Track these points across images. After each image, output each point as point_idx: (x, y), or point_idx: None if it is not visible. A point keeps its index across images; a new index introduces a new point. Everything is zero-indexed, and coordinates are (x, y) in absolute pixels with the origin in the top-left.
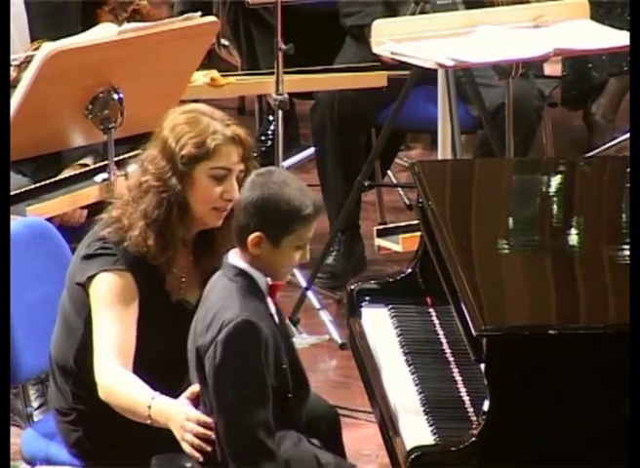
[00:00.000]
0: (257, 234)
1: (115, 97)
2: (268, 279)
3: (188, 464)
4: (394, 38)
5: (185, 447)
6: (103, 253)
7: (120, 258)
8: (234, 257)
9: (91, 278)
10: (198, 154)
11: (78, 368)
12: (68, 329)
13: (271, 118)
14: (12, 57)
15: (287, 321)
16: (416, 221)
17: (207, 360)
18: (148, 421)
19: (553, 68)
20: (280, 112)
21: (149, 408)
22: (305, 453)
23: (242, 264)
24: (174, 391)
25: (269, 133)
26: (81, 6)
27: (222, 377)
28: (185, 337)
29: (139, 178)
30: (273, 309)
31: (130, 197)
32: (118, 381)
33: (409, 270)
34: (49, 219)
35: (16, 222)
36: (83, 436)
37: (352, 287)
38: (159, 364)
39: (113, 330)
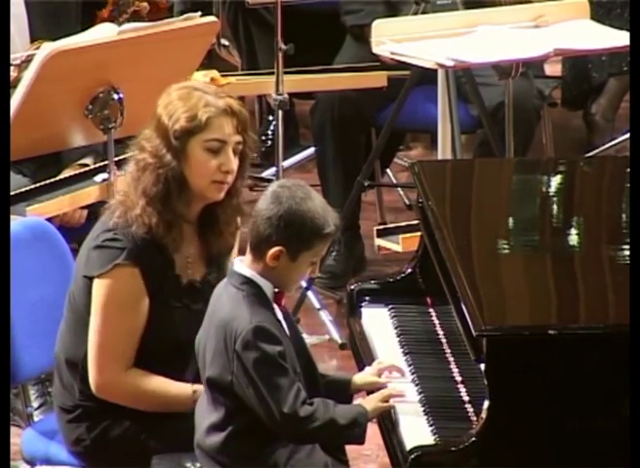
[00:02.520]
0: (278, 248)
1: (115, 97)
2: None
3: (188, 464)
4: (394, 38)
5: None
6: (111, 246)
7: (129, 249)
8: (240, 265)
9: (99, 276)
10: (190, 127)
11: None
12: (78, 323)
13: (271, 118)
14: (12, 56)
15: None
16: (416, 221)
17: (229, 375)
18: (193, 405)
19: (553, 68)
20: (280, 112)
21: (195, 392)
22: (318, 463)
23: (248, 272)
24: (183, 373)
25: (269, 133)
26: (81, 6)
27: (254, 380)
28: (199, 316)
29: (137, 158)
30: (280, 315)
31: (130, 178)
32: (148, 383)
33: (409, 270)
34: (49, 219)
35: (16, 222)
36: (85, 433)
37: (352, 287)
38: (174, 347)
39: (120, 337)
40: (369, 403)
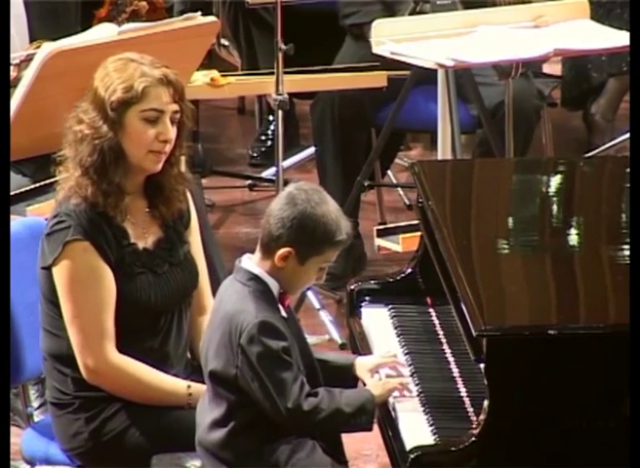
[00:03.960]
0: (287, 249)
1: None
2: None
3: (188, 464)
4: (394, 38)
5: None
6: (57, 229)
7: (75, 226)
8: (247, 262)
9: (54, 262)
10: (127, 98)
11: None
12: (51, 316)
13: (271, 118)
14: (12, 56)
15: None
16: (416, 221)
17: (234, 368)
18: (188, 401)
19: (553, 68)
20: (280, 112)
21: (189, 387)
22: (319, 463)
23: (256, 269)
24: (166, 342)
25: (269, 133)
26: (81, 6)
27: (259, 374)
28: (169, 280)
29: (74, 129)
30: (284, 314)
31: (68, 151)
32: (138, 368)
33: (409, 270)
34: None
35: (16, 222)
36: (84, 425)
37: (352, 287)
38: (150, 314)
39: (95, 314)
40: (376, 388)
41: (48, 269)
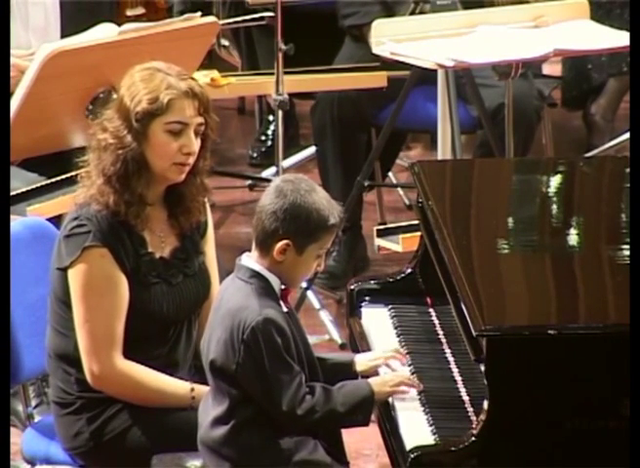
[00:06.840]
0: (285, 242)
1: (115, 97)
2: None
3: (188, 464)
4: (394, 38)
5: None
6: (77, 233)
7: (94, 231)
8: (247, 260)
9: (71, 264)
10: (152, 110)
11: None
12: (61, 317)
13: (271, 118)
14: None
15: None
16: (416, 221)
17: (234, 364)
18: (191, 404)
19: (553, 68)
20: (280, 112)
21: (192, 390)
22: (321, 462)
23: (257, 267)
24: (175, 350)
25: (269, 133)
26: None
27: (259, 371)
28: (182, 290)
29: (98, 137)
30: (285, 309)
31: (92, 158)
32: (142, 373)
33: (409, 270)
34: (49, 219)
35: (16, 222)
36: (85, 425)
37: (352, 287)
38: (162, 323)
39: (106, 320)
40: (378, 385)
41: (63, 270)
